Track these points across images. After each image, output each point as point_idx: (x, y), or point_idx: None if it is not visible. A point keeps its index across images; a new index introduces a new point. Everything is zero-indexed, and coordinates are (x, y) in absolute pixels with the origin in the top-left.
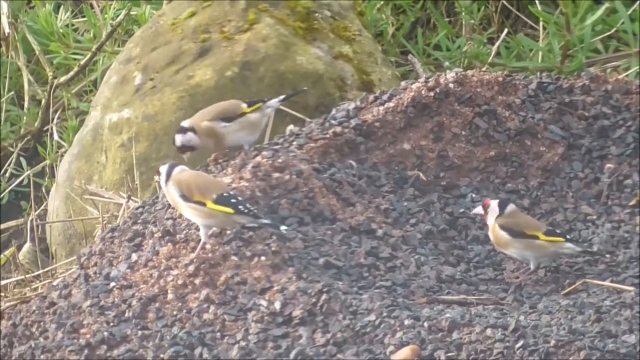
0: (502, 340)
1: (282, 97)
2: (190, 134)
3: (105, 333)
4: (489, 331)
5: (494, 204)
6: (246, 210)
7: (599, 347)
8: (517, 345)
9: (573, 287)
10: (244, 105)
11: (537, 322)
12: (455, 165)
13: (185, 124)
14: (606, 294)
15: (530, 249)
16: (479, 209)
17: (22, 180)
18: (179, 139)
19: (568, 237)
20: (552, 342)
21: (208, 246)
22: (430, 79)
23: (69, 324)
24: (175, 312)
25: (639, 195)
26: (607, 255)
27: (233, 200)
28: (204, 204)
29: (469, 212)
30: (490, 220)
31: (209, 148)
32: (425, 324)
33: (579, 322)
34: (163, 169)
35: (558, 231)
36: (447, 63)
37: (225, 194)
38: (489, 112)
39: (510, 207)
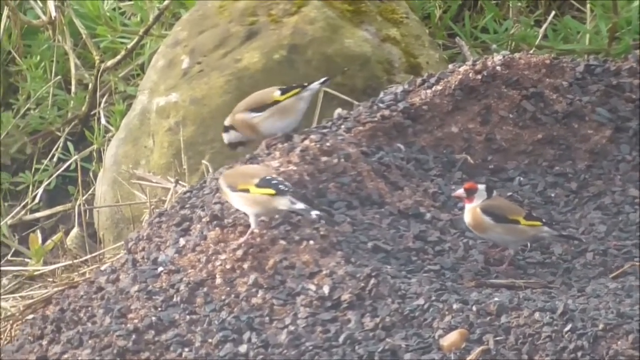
0: (550, 324)
1: (322, 80)
2: (231, 131)
3: (153, 318)
4: (537, 315)
5: (481, 187)
6: (286, 189)
7: None
8: (565, 329)
9: (621, 270)
10: (277, 93)
11: (585, 306)
12: (502, 148)
13: (226, 122)
14: None
15: (511, 233)
16: (460, 192)
17: (70, 165)
18: (225, 137)
19: (544, 220)
20: (600, 326)
21: (256, 231)
22: (477, 62)
23: (117, 308)
24: (223, 297)
25: None
26: (582, 238)
27: (274, 182)
28: (247, 190)
29: (516, 195)
30: (474, 204)
31: (253, 139)
32: (474, 308)
33: (627, 306)
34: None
35: (535, 215)
36: (494, 46)
37: (267, 177)
38: (536, 94)
39: (495, 192)
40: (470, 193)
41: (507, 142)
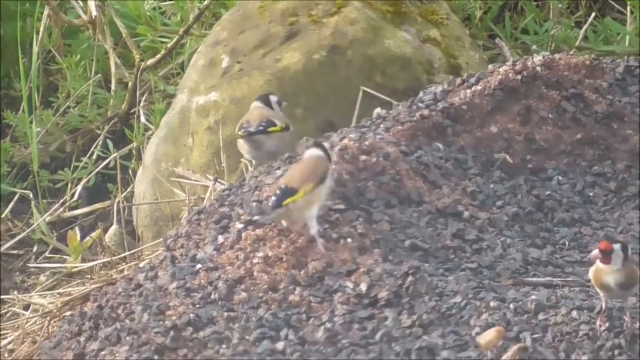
0: (587, 322)
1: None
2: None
3: (191, 315)
4: (574, 313)
5: (617, 247)
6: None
7: None
8: (603, 327)
9: None
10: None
11: (623, 304)
12: (542, 148)
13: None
14: None
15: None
16: (595, 253)
17: (109, 162)
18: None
19: None
20: (638, 325)
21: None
22: (517, 63)
23: (155, 305)
24: (261, 294)
25: None
26: None
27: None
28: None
29: (555, 194)
30: (617, 263)
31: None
32: (511, 306)
33: None
34: None
35: None
36: (534, 47)
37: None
38: (576, 95)
39: (630, 249)
40: (607, 254)
41: (546, 142)
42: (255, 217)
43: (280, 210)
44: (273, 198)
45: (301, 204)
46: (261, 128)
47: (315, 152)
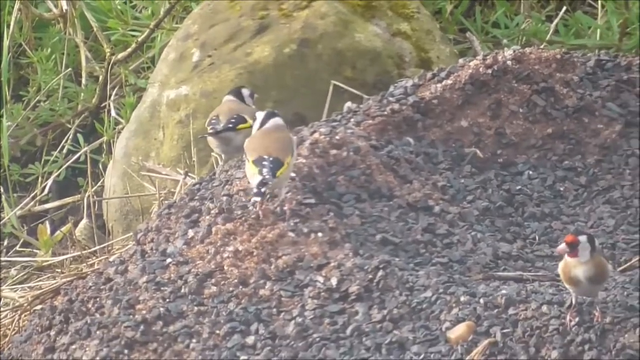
0: (557, 317)
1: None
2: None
3: (161, 309)
4: (544, 308)
5: (582, 239)
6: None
7: None
8: (573, 322)
9: (629, 263)
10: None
11: (593, 299)
12: (512, 142)
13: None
14: None
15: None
16: (562, 247)
17: (80, 156)
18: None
19: None
20: (608, 319)
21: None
22: (488, 57)
23: (125, 299)
24: (231, 289)
25: None
26: None
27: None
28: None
29: (525, 189)
30: (585, 255)
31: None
32: (481, 301)
33: (635, 299)
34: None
35: None
36: (505, 41)
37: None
38: (547, 89)
39: (596, 241)
40: (574, 247)
41: (517, 136)
42: (255, 191)
43: (275, 181)
44: (265, 170)
45: (285, 174)
46: (230, 125)
47: (278, 121)
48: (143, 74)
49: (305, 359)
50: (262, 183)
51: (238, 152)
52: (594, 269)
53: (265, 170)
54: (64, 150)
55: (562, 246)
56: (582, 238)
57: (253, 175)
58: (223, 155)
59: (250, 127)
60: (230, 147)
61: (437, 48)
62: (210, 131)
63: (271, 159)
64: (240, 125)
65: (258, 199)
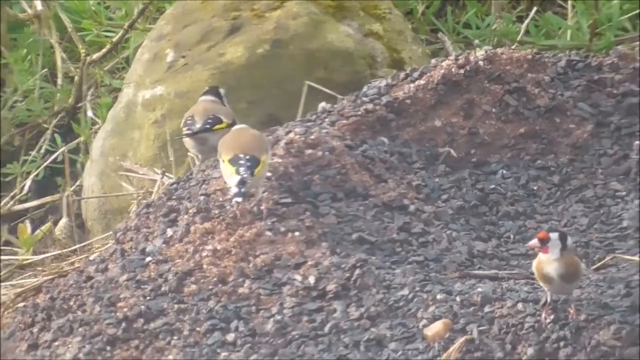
0: (533, 314)
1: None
2: None
3: (142, 307)
4: (520, 305)
5: (554, 236)
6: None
7: (629, 322)
8: (548, 320)
9: (603, 262)
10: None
11: (567, 297)
12: (485, 142)
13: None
14: (635, 268)
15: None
16: (534, 242)
17: (57, 156)
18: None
19: None
20: (582, 317)
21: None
22: (460, 57)
23: (106, 297)
24: (210, 287)
25: None
26: None
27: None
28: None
29: (499, 188)
30: (555, 252)
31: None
32: (458, 298)
33: (609, 297)
34: None
35: None
36: (476, 41)
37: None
38: (519, 89)
39: (569, 239)
40: (544, 243)
41: (489, 136)
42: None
43: (253, 179)
44: (242, 169)
45: (262, 173)
46: (207, 126)
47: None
48: (118, 75)
49: (284, 356)
50: (242, 182)
51: (214, 153)
52: (565, 266)
53: (242, 170)
54: (42, 150)
55: (534, 241)
56: (554, 235)
57: (231, 175)
58: (199, 156)
59: (227, 127)
60: (206, 147)
61: (409, 48)
62: (187, 132)
63: (247, 157)
64: (217, 126)
65: (240, 199)
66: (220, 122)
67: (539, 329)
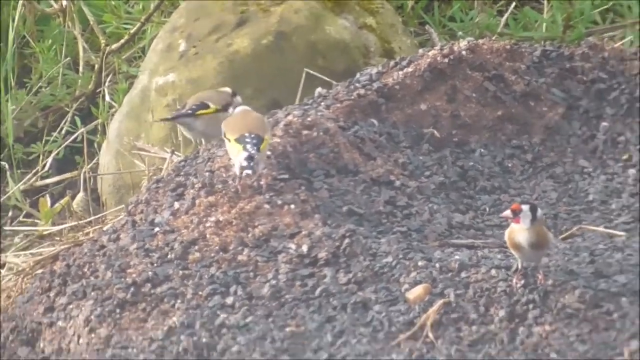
0: (505, 279)
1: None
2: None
3: (150, 273)
4: (493, 271)
5: (525, 208)
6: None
7: (592, 287)
8: (519, 284)
9: (570, 232)
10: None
11: (537, 264)
12: (466, 123)
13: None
14: (600, 238)
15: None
16: (507, 213)
17: (77, 137)
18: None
19: None
20: (550, 282)
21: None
22: (445, 47)
23: (117, 264)
24: (212, 255)
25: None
26: None
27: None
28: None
29: (477, 165)
30: (526, 223)
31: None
32: (437, 265)
33: (575, 264)
34: None
35: None
36: (460, 33)
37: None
38: (497, 76)
39: (539, 211)
40: (516, 214)
41: (470, 118)
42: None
43: (260, 154)
44: (249, 146)
45: (265, 150)
46: (190, 111)
47: (246, 107)
48: (134, 63)
49: (278, 317)
50: (250, 157)
51: (204, 138)
52: (535, 236)
53: (249, 146)
54: (63, 132)
55: (507, 212)
56: (525, 207)
57: (238, 152)
58: (202, 139)
59: (216, 112)
60: (193, 132)
61: (399, 40)
62: (167, 117)
63: (252, 135)
64: (201, 111)
65: (250, 171)
66: (206, 107)
67: (510, 293)
